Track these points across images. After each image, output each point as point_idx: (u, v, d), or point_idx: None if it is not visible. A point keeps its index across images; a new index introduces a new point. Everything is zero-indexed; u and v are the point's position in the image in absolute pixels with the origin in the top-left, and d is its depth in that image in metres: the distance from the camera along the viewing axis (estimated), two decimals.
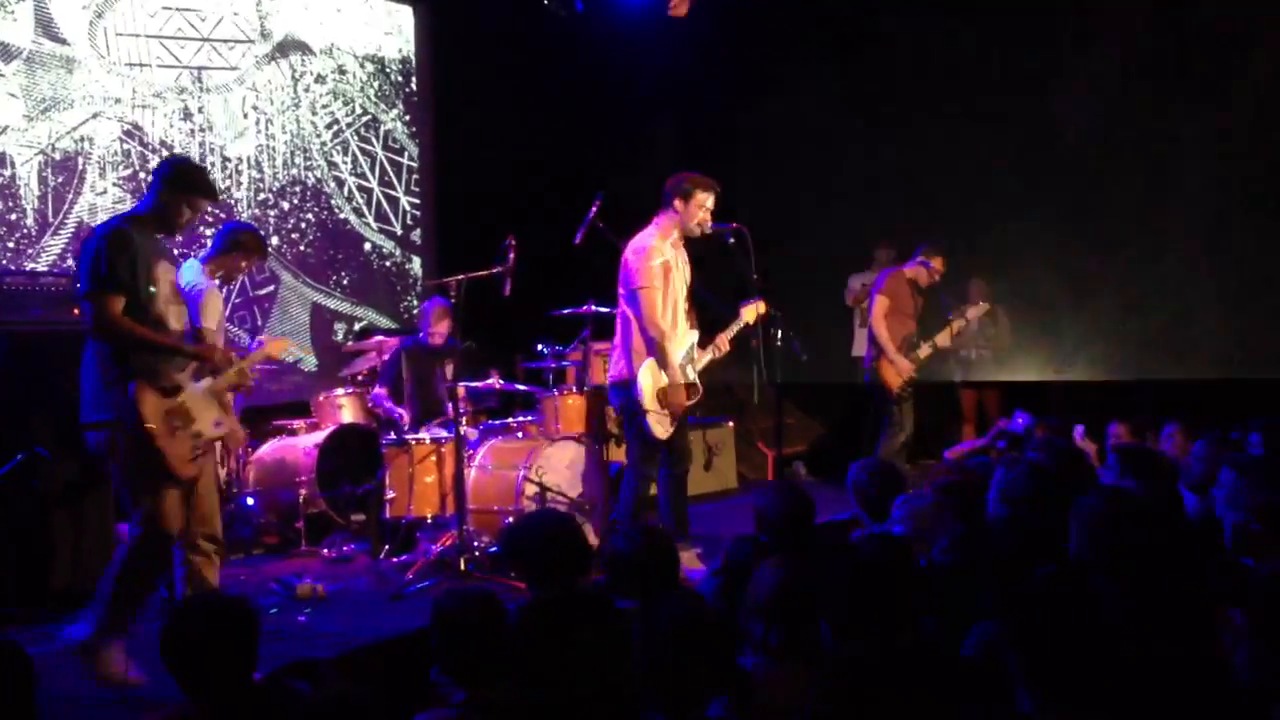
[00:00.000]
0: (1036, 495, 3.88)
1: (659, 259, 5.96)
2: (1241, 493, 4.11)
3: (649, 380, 6.02)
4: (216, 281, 5.67)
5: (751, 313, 6.24)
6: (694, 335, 6.21)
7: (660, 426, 6.05)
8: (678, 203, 5.99)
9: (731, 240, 6.07)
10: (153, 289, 4.39)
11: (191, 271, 5.58)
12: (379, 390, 7.18)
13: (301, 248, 8.75)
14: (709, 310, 6.39)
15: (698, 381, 6.18)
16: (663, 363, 6.01)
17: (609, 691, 2.55)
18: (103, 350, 4.35)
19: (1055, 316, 9.36)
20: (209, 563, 4.58)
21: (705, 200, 5.97)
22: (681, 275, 6.11)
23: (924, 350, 7.78)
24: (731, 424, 9.01)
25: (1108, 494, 3.39)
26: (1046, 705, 2.47)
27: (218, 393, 4.67)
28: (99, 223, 4.81)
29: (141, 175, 7.78)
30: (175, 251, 7.70)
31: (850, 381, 9.63)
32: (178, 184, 4.52)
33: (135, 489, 4.35)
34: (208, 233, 7.98)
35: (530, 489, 6.31)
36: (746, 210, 6.20)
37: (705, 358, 6.22)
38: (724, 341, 6.24)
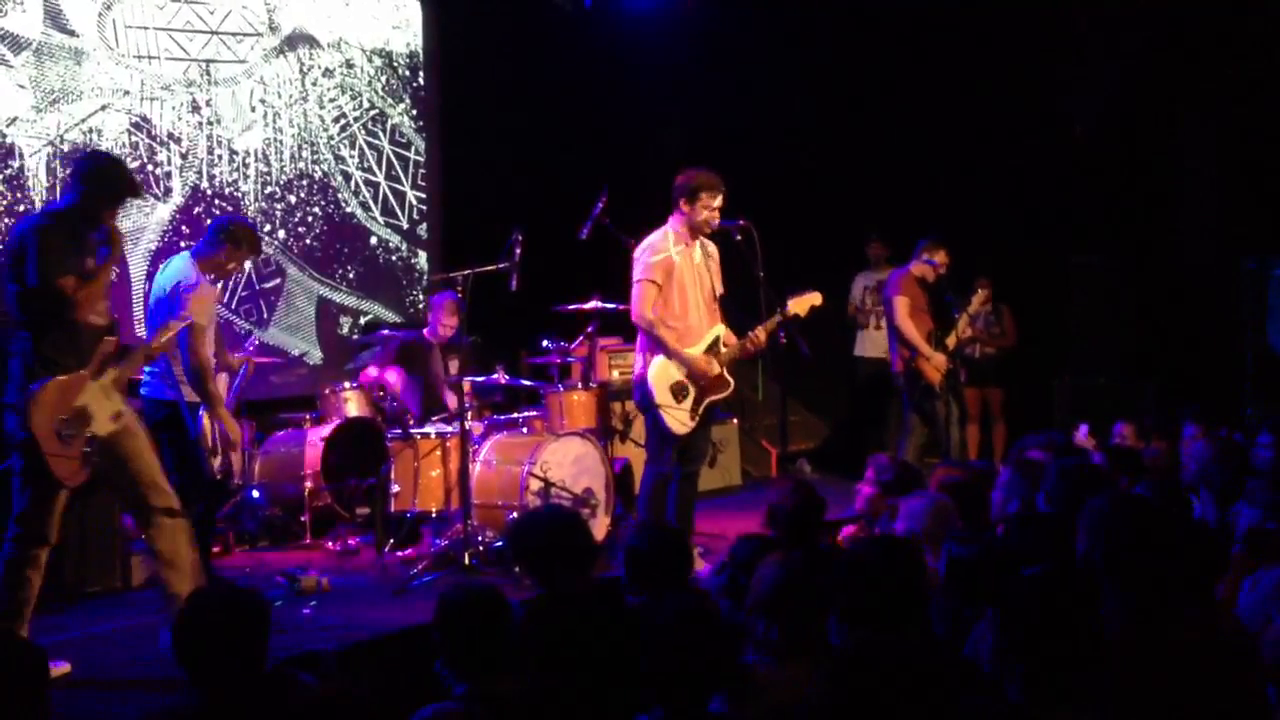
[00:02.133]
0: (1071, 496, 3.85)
1: (659, 256, 5.94)
2: (1256, 492, 4.11)
3: (659, 375, 5.97)
4: (210, 277, 5.44)
5: (804, 304, 6.08)
6: (718, 330, 6.10)
7: (677, 422, 5.93)
8: (683, 203, 5.97)
9: (739, 237, 6.06)
10: None
11: (182, 265, 5.42)
12: (374, 371, 7.18)
13: (308, 241, 8.75)
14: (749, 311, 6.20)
15: (726, 375, 6.06)
16: (663, 350, 5.95)
17: (613, 684, 2.56)
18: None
19: (1059, 315, 9.35)
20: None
21: (709, 199, 5.95)
22: (697, 274, 6.05)
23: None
24: (736, 421, 9.00)
25: (1115, 497, 3.39)
26: (1034, 701, 2.49)
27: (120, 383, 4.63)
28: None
29: (149, 168, 7.79)
30: (181, 245, 7.76)
31: (852, 378, 9.65)
32: None
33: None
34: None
35: (535, 484, 6.32)
36: (750, 206, 6.18)
37: (734, 351, 6.06)
38: (760, 334, 6.03)
